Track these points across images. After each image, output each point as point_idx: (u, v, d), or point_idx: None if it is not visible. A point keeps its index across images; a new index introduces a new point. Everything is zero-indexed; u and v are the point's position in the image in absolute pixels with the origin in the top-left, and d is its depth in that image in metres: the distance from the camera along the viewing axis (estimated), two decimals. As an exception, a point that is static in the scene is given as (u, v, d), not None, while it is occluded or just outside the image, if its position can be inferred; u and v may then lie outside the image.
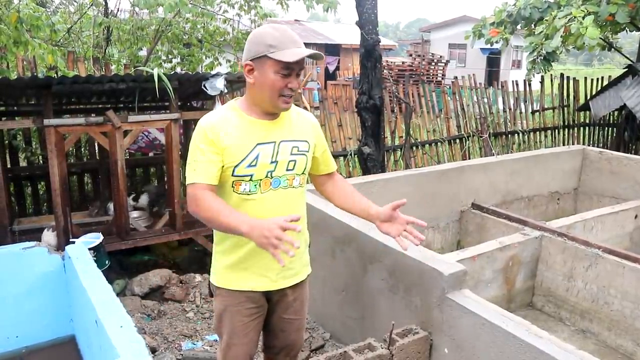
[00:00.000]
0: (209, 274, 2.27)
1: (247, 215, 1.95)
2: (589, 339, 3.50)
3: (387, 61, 18.67)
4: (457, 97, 7.82)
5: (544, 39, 6.68)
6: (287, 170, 2.07)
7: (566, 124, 8.92)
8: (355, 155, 5.98)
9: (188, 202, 1.99)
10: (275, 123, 2.07)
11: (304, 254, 2.28)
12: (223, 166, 1.99)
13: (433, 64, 20.63)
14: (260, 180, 2.02)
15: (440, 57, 21.74)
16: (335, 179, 2.39)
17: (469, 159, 7.39)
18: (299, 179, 2.13)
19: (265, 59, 1.92)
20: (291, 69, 1.94)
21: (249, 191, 2.02)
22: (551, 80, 8.90)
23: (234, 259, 2.12)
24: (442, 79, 20.14)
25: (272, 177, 2.04)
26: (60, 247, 3.79)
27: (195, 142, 1.99)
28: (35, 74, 4.94)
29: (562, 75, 8.86)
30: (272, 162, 2.03)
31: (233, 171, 1.99)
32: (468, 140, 7.77)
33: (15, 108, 4.79)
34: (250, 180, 2.01)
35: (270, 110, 2.03)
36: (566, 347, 2.03)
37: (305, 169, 2.14)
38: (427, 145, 7.46)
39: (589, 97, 8.68)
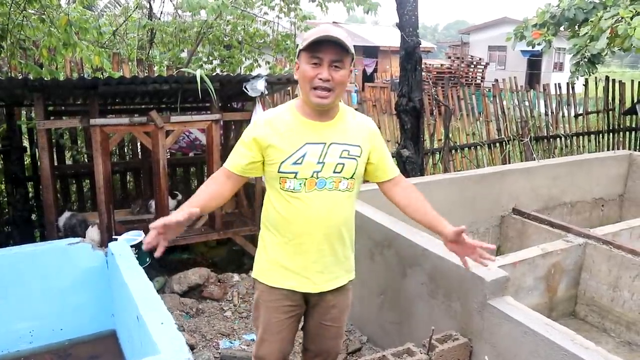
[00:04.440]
0: (247, 274, 2.30)
1: (293, 214, 2.06)
2: (636, 352, 3.37)
3: (425, 63, 18.47)
4: (497, 100, 7.69)
5: (588, 41, 6.50)
6: (334, 172, 2.06)
7: (611, 128, 8.66)
8: (394, 158, 5.93)
9: None
10: (328, 125, 2.08)
11: (347, 260, 2.25)
12: (264, 162, 2.08)
13: (472, 66, 20.36)
14: (306, 179, 2.04)
15: (480, 59, 21.42)
16: (403, 186, 2.30)
17: (509, 163, 7.25)
18: (347, 183, 2.10)
19: (300, 53, 2.02)
20: (318, 58, 1.95)
21: (294, 189, 2.04)
22: (595, 83, 8.65)
23: (276, 256, 2.16)
24: (482, 81, 19.85)
25: (317, 178, 2.04)
26: (103, 243, 3.88)
27: (244, 132, 2.15)
28: (82, 74, 5.06)
29: (607, 78, 8.61)
30: (318, 163, 2.04)
31: (279, 167, 2.04)
32: (508, 144, 7.63)
33: (62, 108, 4.93)
34: (295, 177, 2.03)
35: (313, 107, 2.04)
36: (614, 359, 1.97)
37: (354, 173, 2.11)
38: (467, 148, 7.36)
39: (635, 101, 8.42)
